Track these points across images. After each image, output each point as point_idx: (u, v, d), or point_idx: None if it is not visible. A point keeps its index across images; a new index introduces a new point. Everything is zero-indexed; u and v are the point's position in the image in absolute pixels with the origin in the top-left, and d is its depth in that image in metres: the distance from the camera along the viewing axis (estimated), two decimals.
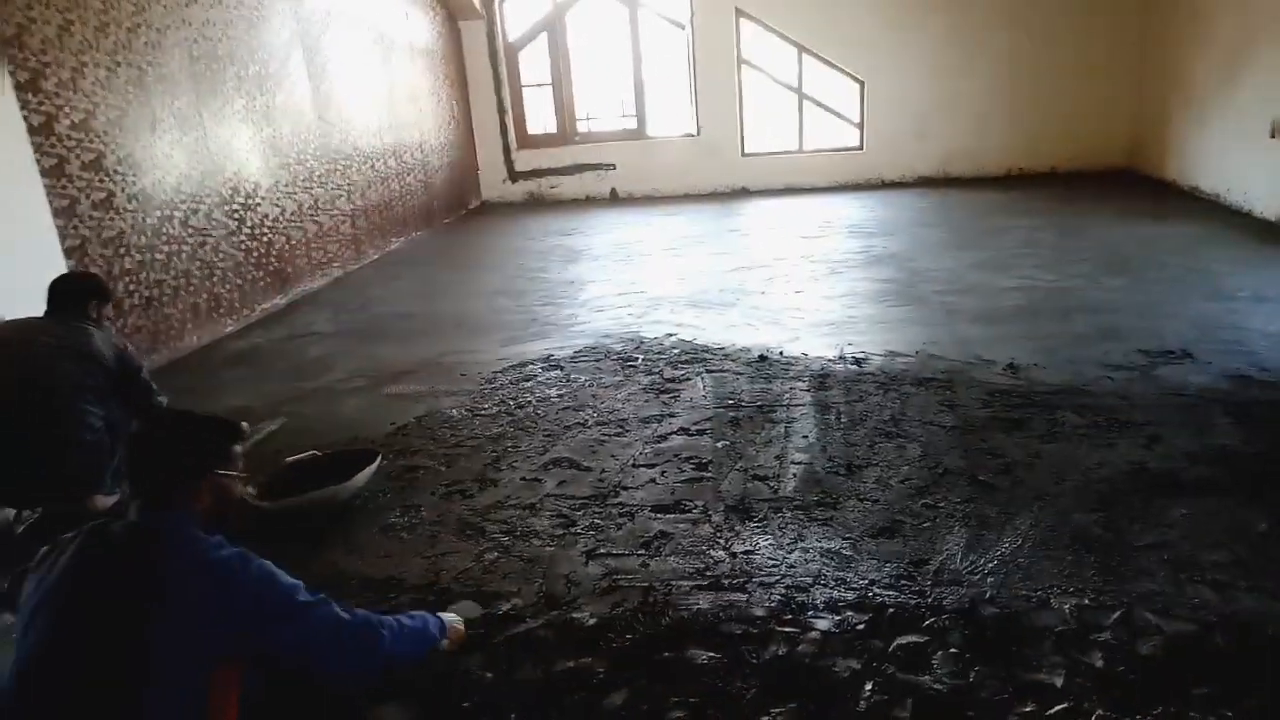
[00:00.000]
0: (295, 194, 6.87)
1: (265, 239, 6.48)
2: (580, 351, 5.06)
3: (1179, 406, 3.68)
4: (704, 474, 3.41)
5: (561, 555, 2.89)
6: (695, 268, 7.19)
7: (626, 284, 6.73)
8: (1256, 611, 2.33)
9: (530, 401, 4.32)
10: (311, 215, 7.12)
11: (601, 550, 2.90)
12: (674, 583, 2.68)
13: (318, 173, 7.18)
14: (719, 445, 3.65)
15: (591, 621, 2.49)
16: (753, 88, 10.67)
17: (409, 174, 9.02)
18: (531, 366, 4.86)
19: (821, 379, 4.33)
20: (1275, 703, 2.02)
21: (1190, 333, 4.59)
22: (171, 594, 1.63)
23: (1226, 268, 5.93)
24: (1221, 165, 7.82)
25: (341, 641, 1.81)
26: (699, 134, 10.80)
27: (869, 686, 2.16)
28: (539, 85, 11.04)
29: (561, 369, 4.79)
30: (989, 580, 2.57)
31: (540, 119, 11.28)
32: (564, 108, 11.02)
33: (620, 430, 3.91)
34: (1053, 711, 2.03)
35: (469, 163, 10.93)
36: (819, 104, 10.62)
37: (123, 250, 5.02)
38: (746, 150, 10.87)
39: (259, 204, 6.40)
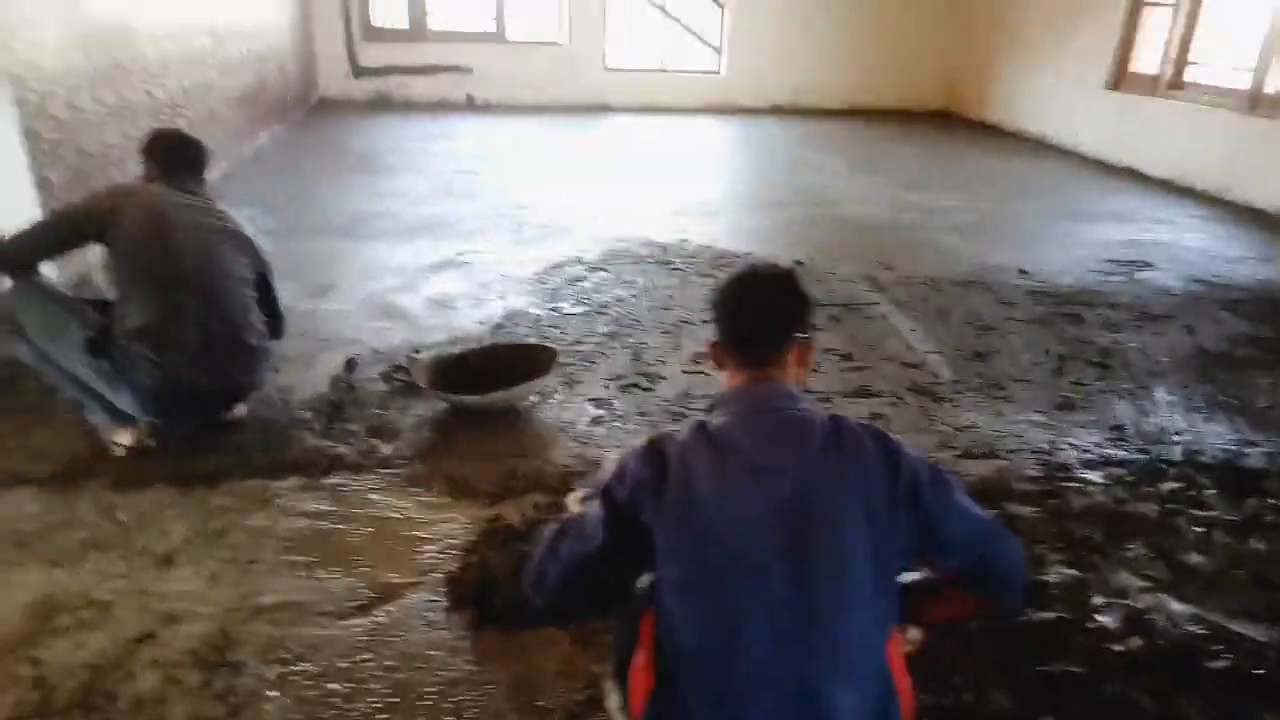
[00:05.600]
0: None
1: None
2: (605, 256, 4.98)
3: (1179, 304, 4.45)
4: (854, 363, 3.64)
5: None
6: (642, 176, 7.18)
7: (577, 189, 6.60)
8: None
9: (609, 301, 4.25)
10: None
11: None
12: (935, 455, 2.91)
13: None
14: (844, 338, 3.88)
15: None
16: (618, 1, 10.56)
17: (270, 59, 8.01)
18: (570, 269, 4.73)
19: (869, 279, 4.67)
20: None
21: (1118, 249, 5.45)
22: (872, 480, 1.44)
23: (1090, 193, 6.98)
24: (1050, 109, 9.07)
25: (1014, 549, 1.56)
26: (569, 43, 10.54)
27: (1182, 520, 2.56)
28: None
29: (607, 270, 4.71)
30: (1185, 436, 3.08)
31: (389, 10, 10.39)
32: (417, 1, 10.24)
33: None
34: None
35: (309, 52, 9.86)
36: (682, 24, 10.77)
37: None
38: (610, 65, 10.80)
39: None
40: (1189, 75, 7.42)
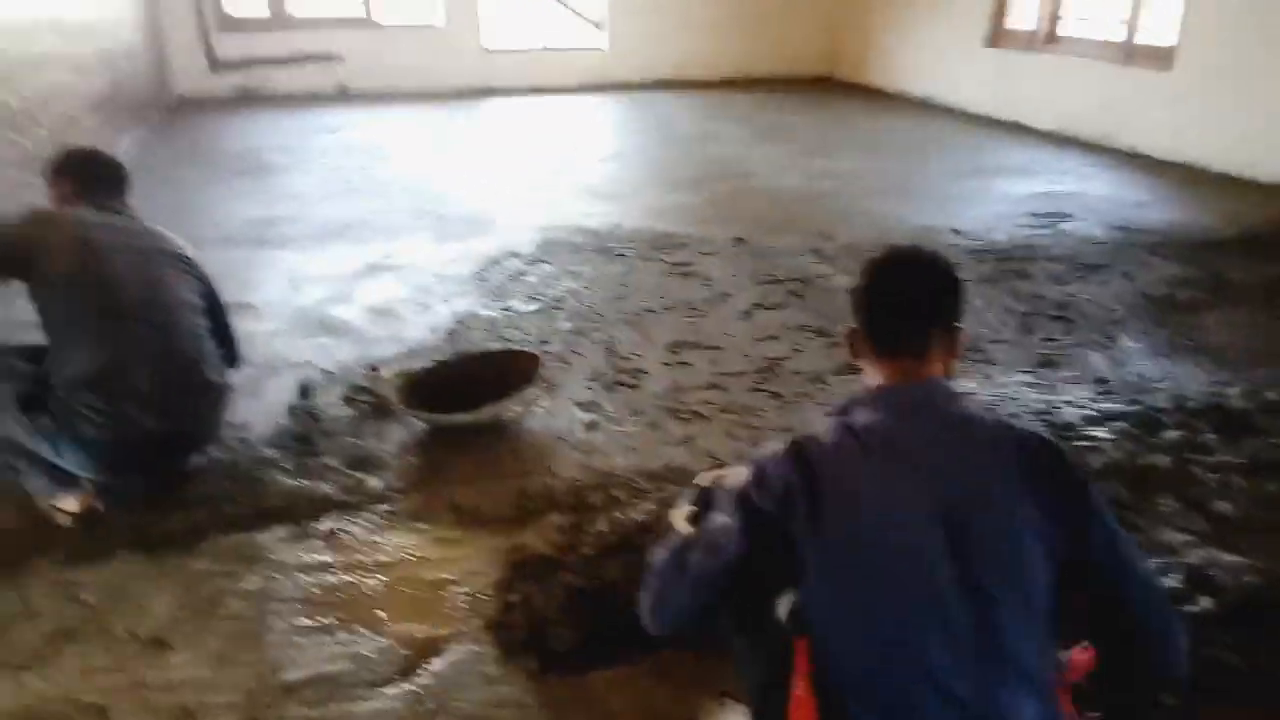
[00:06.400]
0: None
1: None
2: (542, 247, 4.74)
3: (1109, 252, 4.60)
4: (832, 339, 3.57)
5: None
6: (547, 159, 6.90)
7: (486, 178, 6.28)
8: None
9: (561, 295, 4.04)
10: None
11: None
12: None
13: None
14: (812, 314, 3.81)
15: None
16: None
17: (123, 56, 7.27)
18: (509, 263, 4.48)
19: (815, 252, 4.63)
20: None
21: (1033, 203, 5.60)
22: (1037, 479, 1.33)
23: (987, 149, 7.17)
24: (931, 69, 9.29)
25: (1148, 577, 1.39)
26: (445, 25, 10.05)
27: (1197, 469, 2.61)
28: None
29: (548, 262, 4.49)
30: (1165, 383, 3.15)
31: None
32: None
33: (696, 311, 3.87)
34: None
35: (160, 47, 9.03)
36: (561, 1, 10.46)
37: None
38: (488, 46, 10.38)
39: None
40: (1063, 30, 7.72)
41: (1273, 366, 3.28)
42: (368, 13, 9.99)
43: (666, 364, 3.37)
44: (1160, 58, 6.57)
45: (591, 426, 2.92)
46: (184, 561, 2.26)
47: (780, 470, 1.37)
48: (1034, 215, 5.26)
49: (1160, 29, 6.69)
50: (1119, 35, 7.06)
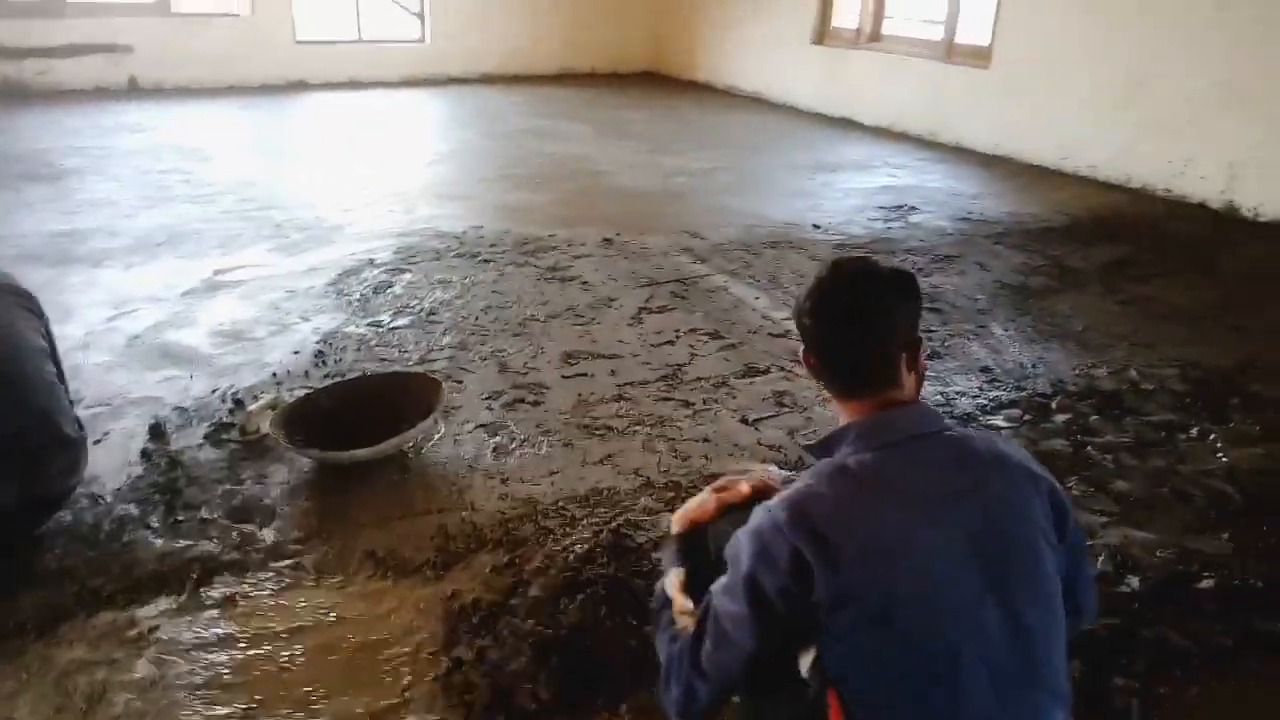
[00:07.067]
0: None
1: None
2: (399, 254, 4.42)
3: (959, 243, 4.84)
4: (725, 340, 3.53)
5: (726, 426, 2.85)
6: (378, 158, 6.48)
7: (316, 180, 5.81)
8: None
9: (433, 307, 3.77)
10: None
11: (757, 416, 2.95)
12: None
13: None
14: (701, 316, 3.75)
15: None
16: None
17: None
18: (367, 274, 4.14)
19: (687, 251, 4.59)
20: None
21: (878, 196, 5.84)
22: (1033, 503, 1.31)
23: (823, 144, 7.44)
24: (760, 66, 9.51)
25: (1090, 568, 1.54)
26: (251, 13, 9.24)
27: (1092, 451, 2.75)
28: None
29: (409, 271, 4.18)
30: (1041, 368, 3.32)
31: None
32: None
33: (582, 318, 3.72)
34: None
35: None
36: None
37: None
38: (300, 37, 9.66)
39: None
40: (886, 29, 8.12)
41: (1125, 347, 3.54)
42: None
43: (566, 376, 3.20)
44: (978, 55, 7.03)
45: (501, 450, 2.72)
46: (49, 652, 1.89)
47: (785, 541, 1.23)
48: (882, 209, 5.47)
49: (978, 28, 7.13)
50: (938, 34, 7.48)
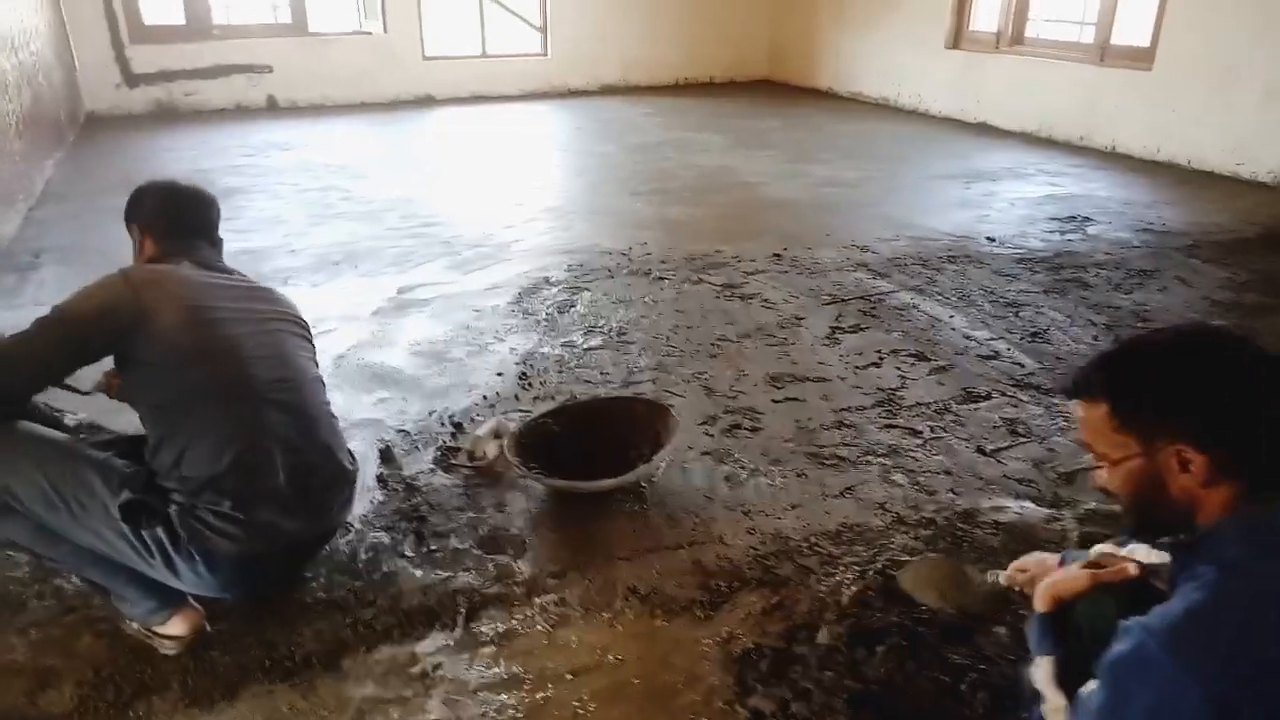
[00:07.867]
0: None
1: None
2: (573, 272, 4.40)
3: (1148, 256, 4.58)
4: (933, 362, 3.38)
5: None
6: (525, 173, 6.53)
7: (471, 196, 5.87)
8: None
9: (622, 326, 3.72)
10: None
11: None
12: None
13: None
14: (900, 336, 3.61)
15: None
16: None
17: (40, 72, 6.50)
18: (546, 292, 4.13)
19: (862, 266, 4.44)
20: None
21: (1046, 206, 5.59)
22: None
23: (967, 151, 7.17)
24: (891, 72, 9.28)
25: None
26: (383, 32, 9.48)
27: None
28: None
29: (588, 289, 4.15)
30: None
31: (162, 6, 8.84)
32: None
33: (774, 338, 3.61)
34: None
35: (68, 60, 8.18)
36: (503, 5, 10.01)
37: None
38: (428, 53, 9.86)
39: None
40: (1030, 31, 7.81)
41: None
42: (298, 19, 9.34)
43: (776, 401, 3.10)
44: (1138, 56, 6.69)
45: (734, 481, 2.63)
46: (339, 687, 1.87)
47: (1190, 697, 1.01)
48: (1054, 220, 5.22)
49: (1134, 29, 6.80)
50: (1088, 36, 7.16)
